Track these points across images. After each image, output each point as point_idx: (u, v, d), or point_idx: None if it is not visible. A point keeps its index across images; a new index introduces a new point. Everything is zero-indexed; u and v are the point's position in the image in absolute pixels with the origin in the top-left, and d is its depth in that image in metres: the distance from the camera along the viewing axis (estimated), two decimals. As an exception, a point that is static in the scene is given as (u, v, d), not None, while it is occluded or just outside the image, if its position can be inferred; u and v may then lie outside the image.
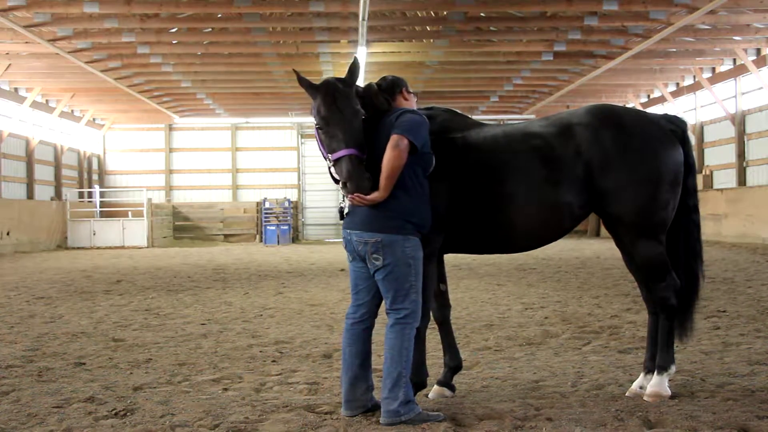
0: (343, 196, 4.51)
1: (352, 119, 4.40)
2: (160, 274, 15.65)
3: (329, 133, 4.39)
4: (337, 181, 4.49)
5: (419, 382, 4.81)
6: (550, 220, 4.82)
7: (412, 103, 4.81)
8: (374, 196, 4.32)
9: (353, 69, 4.55)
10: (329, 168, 4.48)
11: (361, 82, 4.76)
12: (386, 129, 4.44)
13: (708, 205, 24.55)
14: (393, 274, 4.36)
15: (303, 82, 4.52)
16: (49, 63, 23.90)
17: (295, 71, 4.73)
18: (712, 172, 28.34)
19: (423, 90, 29.34)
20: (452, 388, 5.01)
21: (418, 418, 4.28)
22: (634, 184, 4.76)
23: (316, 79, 4.65)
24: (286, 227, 32.50)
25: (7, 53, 22.88)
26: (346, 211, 4.54)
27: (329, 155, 4.41)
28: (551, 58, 23.74)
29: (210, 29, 21.39)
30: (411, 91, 4.84)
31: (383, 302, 4.55)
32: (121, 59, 23.66)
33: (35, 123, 29.65)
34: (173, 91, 29.74)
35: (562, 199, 4.77)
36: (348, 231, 4.49)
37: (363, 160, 4.35)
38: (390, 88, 4.72)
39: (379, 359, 5.18)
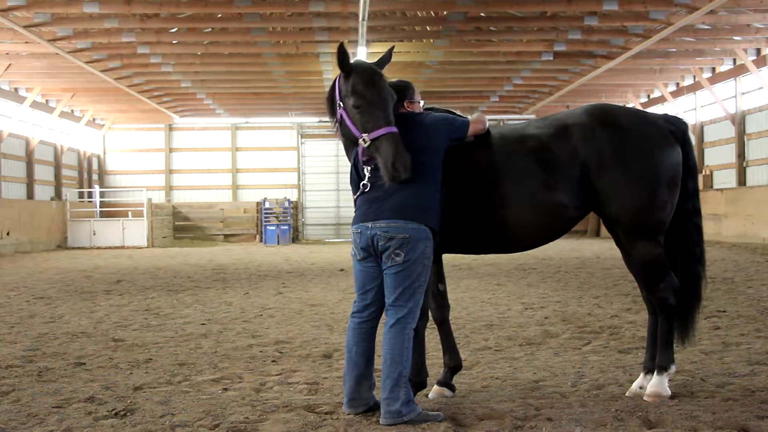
0: (368, 176, 4.45)
1: (389, 100, 4.42)
2: (160, 274, 15.65)
3: (368, 113, 4.33)
4: (366, 162, 4.40)
5: (419, 382, 4.81)
6: (547, 221, 4.81)
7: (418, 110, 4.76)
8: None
9: (386, 59, 4.58)
10: (363, 147, 4.33)
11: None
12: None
13: (708, 205, 24.57)
14: (407, 271, 4.33)
15: (345, 56, 4.42)
16: (49, 63, 23.90)
17: (341, 44, 4.52)
18: (712, 172, 28.34)
19: (423, 90, 29.34)
20: (452, 388, 5.01)
21: (419, 418, 4.28)
22: (631, 184, 4.75)
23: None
24: (286, 227, 32.51)
25: (7, 53, 22.89)
26: (367, 189, 4.48)
27: (365, 135, 4.32)
28: (551, 58, 23.75)
29: (210, 29, 21.38)
30: (415, 100, 4.72)
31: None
32: (121, 59, 23.66)
33: (35, 123, 29.65)
34: (173, 91, 29.75)
35: (559, 200, 4.76)
36: (368, 225, 4.38)
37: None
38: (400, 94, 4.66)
39: (378, 359, 5.18)
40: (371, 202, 4.46)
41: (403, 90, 4.69)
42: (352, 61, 4.51)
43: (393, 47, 4.58)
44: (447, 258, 5.44)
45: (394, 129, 4.29)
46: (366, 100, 4.34)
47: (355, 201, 4.61)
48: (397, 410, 4.25)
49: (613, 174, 4.74)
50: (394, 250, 4.32)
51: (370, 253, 4.43)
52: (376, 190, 4.46)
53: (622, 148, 4.76)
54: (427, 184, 4.43)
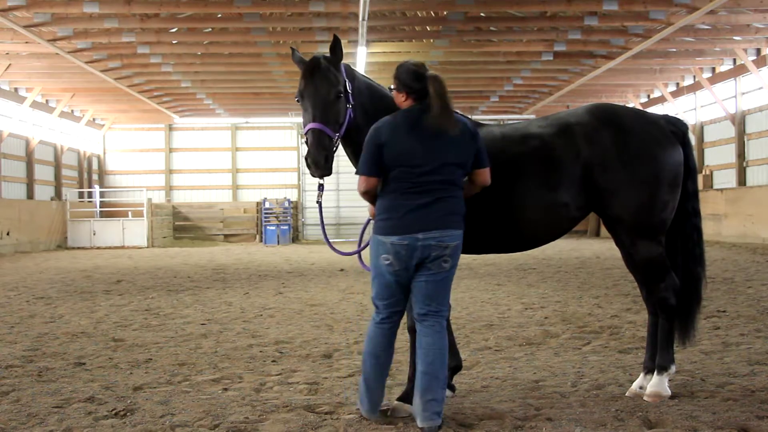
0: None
1: (326, 96, 4.46)
2: (160, 274, 15.65)
3: (303, 107, 4.52)
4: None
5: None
6: (548, 221, 4.81)
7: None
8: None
9: (333, 47, 4.58)
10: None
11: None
12: (459, 142, 4.32)
13: (708, 205, 24.58)
14: (450, 276, 4.36)
15: (295, 58, 4.65)
16: (49, 63, 23.90)
17: (292, 48, 4.85)
18: (712, 172, 28.34)
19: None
20: (452, 388, 5.01)
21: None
22: (633, 184, 4.75)
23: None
24: (286, 227, 32.50)
25: (7, 53, 22.89)
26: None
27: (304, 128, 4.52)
28: (551, 58, 23.74)
29: (210, 29, 21.39)
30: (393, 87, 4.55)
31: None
32: (121, 59, 23.67)
33: (35, 123, 29.64)
34: (173, 91, 29.75)
35: (560, 200, 4.76)
36: (418, 236, 4.20)
37: (330, 138, 4.40)
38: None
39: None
40: (406, 210, 4.24)
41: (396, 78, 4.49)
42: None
43: (335, 35, 4.59)
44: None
45: (317, 125, 4.39)
46: (301, 95, 4.54)
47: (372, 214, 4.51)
48: (440, 411, 4.20)
49: (616, 173, 4.74)
50: (444, 258, 4.27)
51: (408, 266, 4.27)
52: (402, 196, 4.27)
53: (625, 147, 4.76)
54: (459, 191, 4.37)
